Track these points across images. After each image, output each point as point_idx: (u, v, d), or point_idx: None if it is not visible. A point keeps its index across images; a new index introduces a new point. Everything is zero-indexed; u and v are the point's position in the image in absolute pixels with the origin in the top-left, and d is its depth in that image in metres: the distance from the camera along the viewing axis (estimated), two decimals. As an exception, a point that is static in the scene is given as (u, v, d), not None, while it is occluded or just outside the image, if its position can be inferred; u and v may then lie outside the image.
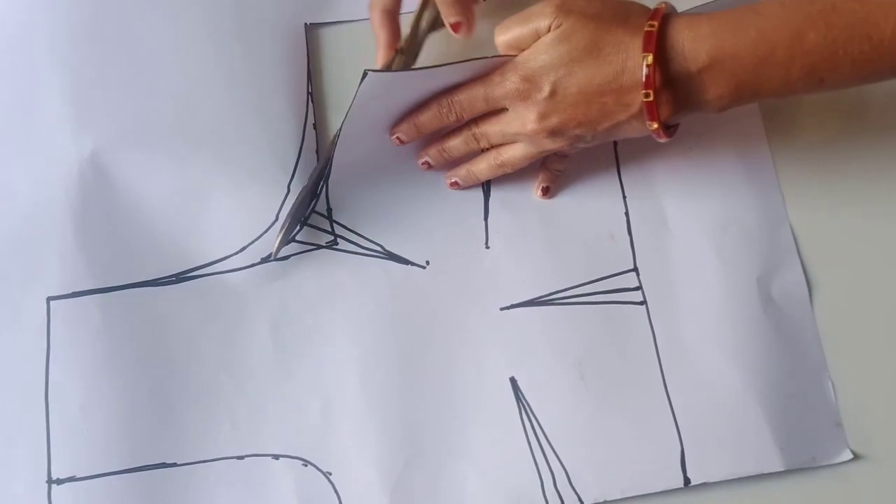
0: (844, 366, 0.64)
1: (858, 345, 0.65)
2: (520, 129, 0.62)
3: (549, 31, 0.59)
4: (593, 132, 0.61)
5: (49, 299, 0.64)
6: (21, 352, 0.64)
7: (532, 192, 0.68)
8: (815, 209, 0.67)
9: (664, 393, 0.64)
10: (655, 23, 0.57)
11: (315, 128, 0.69)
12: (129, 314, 0.64)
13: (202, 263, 0.66)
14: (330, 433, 0.63)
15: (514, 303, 0.66)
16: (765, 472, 0.62)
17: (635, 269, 0.66)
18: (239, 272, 0.66)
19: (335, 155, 0.65)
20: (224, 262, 0.66)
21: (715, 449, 0.62)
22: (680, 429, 0.63)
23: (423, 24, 0.68)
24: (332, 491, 0.62)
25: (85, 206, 0.66)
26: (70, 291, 0.65)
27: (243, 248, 0.66)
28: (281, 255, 0.66)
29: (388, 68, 0.66)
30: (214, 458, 0.62)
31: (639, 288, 0.66)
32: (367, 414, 0.63)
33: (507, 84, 0.61)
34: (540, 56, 0.59)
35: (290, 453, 0.63)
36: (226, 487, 0.62)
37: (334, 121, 0.70)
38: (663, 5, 0.59)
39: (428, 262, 0.66)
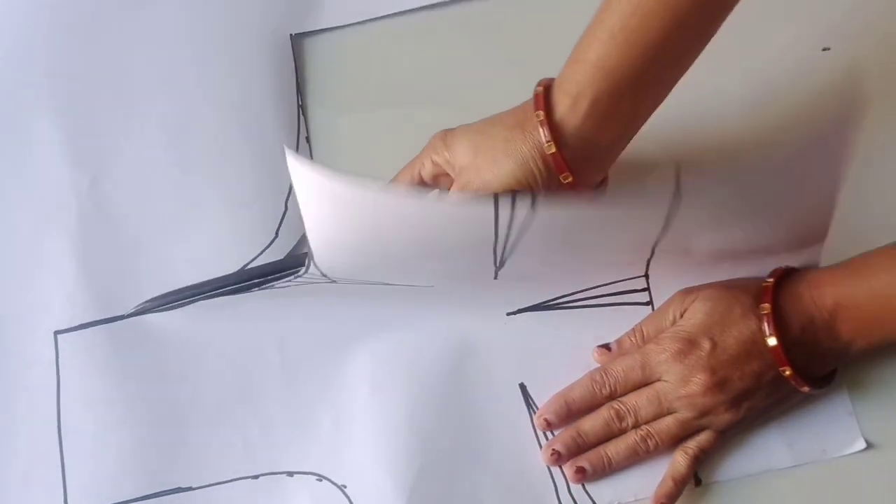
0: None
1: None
2: (680, 391, 0.60)
3: (682, 315, 0.61)
4: (758, 385, 0.59)
5: (56, 333, 0.64)
6: (32, 387, 0.64)
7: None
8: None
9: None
10: (771, 279, 0.61)
11: (308, 141, 0.68)
12: (136, 342, 0.65)
13: (204, 281, 0.65)
14: (342, 446, 0.63)
15: (521, 307, 0.65)
16: (773, 468, 0.62)
17: (645, 276, 0.66)
18: (242, 295, 0.65)
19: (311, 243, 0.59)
20: (226, 280, 0.65)
21: (723, 448, 0.62)
22: (689, 429, 0.63)
23: None
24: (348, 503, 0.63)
25: (85, 237, 0.66)
26: (76, 324, 0.65)
27: (243, 267, 0.66)
28: (279, 286, 0.64)
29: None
30: (229, 479, 0.63)
31: (646, 289, 0.65)
32: (378, 425, 0.63)
33: (665, 349, 0.60)
34: (694, 316, 0.61)
35: (304, 469, 0.63)
36: (243, 508, 0.62)
37: (327, 133, 0.69)
38: (781, 267, 0.62)
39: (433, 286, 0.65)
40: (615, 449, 0.62)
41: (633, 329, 0.64)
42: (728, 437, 0.62)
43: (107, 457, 0.62)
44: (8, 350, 0.65)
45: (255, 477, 0.63)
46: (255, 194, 0.67)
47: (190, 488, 0.62)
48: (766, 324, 0.59)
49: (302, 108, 0.69)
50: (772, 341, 0.59)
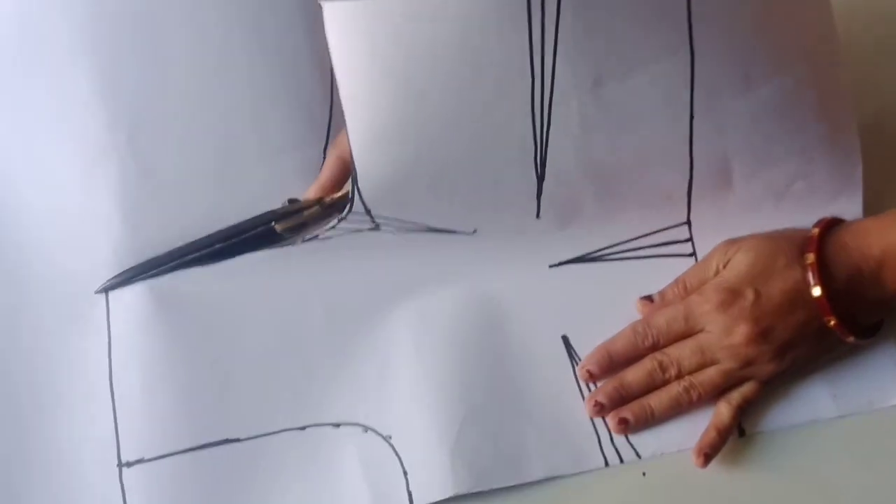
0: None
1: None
2: (724, 342, 0.60)
3: (725, 265, 0.61)
4: (802, 335, 0.59)
5: (106, 290, 0.65)
6: (84, 344, 0.65)
7: (594, 181, 0.63)
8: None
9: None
10: (817, 229, 0.60)
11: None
12: (181, 296, 0.65)
13: (248, 220, 0.66)
14: (387, 398, 0.64)
15: (564, 260, 0.65)
16: (818, 418, 0.62)
17: (688, 223, 0.65)
18: (284, 248, 0.66)
19: (355, 157, 0.61)
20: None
21: (768, 398, 0.62)
22: (734, 379, 0.63)
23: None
24: (394, 454, 0.63)
25: (128, 193, 0.66)
26: (125, 280, 0.65)
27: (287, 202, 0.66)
28: (322, 237, 0.66)
29: (300, 210, 0.65)
30: (276, 430, 0.63)
31: (689, 240, 0.65)
32: (423, 377, 0.64)
33: (708, 300, 0.60)
34: (738, 267, 0.61)
35: (350, 420, 0.64)
36: (290, 459, 0.63)
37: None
38: (826, 217, 0.61)
39: (475, 231, 0.65)
40: (658, 400, 0.62)
41: (675, 280, 0.64)
42: (771, 388, 0.62)
43: (157, 410, 0.63)
44: (59, 308, 0.66)
45: (302, 428, 0.64)
46: (293, 140, 0.67)
47: (238, 440, 0.63)
48: (810, 274, 0.59)
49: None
50: (816, 291, 0.58)
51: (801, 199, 0.64)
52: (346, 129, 0.60)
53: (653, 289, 0.64)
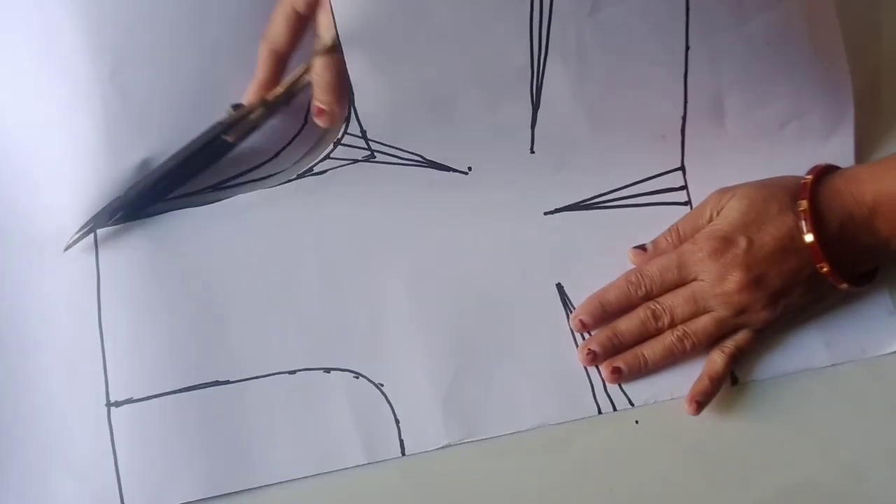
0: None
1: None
2: (717, 290, 0.60)
3: (718, 213, 0.61)
4: (795, 282, 0.59)
5: (93, 229, 0.64)
6: (72, 281, 0.64)
7: (587, 113, 0.63)
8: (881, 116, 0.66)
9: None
10: (810, 176, 0.60)
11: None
12: (173, 237, 0.65)
13: (237, 173, 0.66)
14: (380, 344, 0.63)
15: (558, 207, 0.65)
16: (811, 367, 0.62)
17: (682, 168, 0.65)
18: (279, 187, 0.65)
19: (352, 77, 0.61)
20: (260, 168, 0.66)
21: (761, 347, 0.62)
22: (726, 329, 0.63)
23: (301, 85, 0.65)
24: (385, 402, 0.63)
25: (112, 127, 0.65)
26: (113, 218, 0.65)
27: (277, 154, 0.66)
28: (317, 170, 0.65)
29: (246, 115, 0.64)
30: (266, 373, 0.63)
31: (684, 187, 0.65)
32: (416, 324, 0.64)
33: (701, 248, 0.60)
34: (730, 215, 0.60)
35: (342, 366, 0.63)
36: (279, 402, 0.62)
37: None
38: (820, 165, 0.62)
39: (470, 169, 0.65)
40: (651, 349, 0.62)
41: (669, 229, 0.64)
42: (765, 336, 0.62)
43: (146, 350, 0.63)
44: (45, 243, 0.65)
45: (293, 372, 0.63)
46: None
47: (228, 382, 0.63)
48: (803, 221, 0.59)
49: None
50: (809, 238, 0.58)
51: (794, 142, 0.64)
52: (274, 19, 0.61)
53: (647, 237, 0.64)
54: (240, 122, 0.64)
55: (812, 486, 0.61)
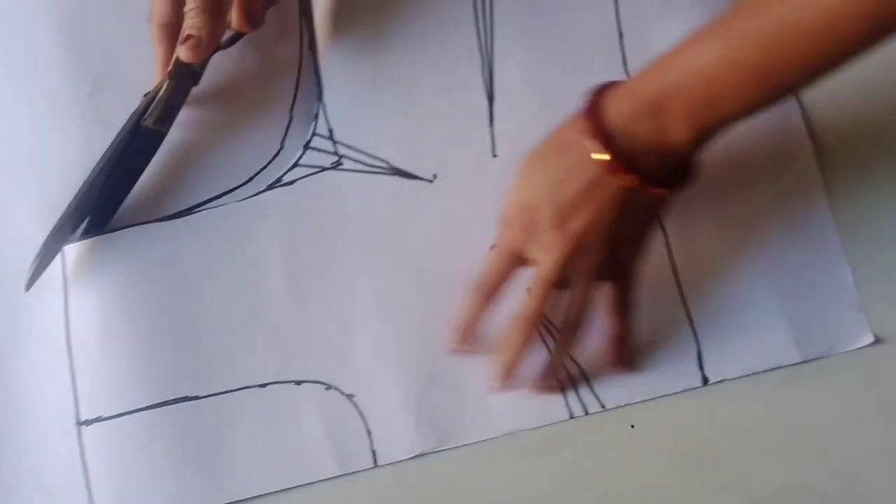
0: (864, 249, 0.64)
1: (877, 226, 0.65)
2: (556, 258, 0.59)
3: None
4: (616, 212, 0.58)
5: (61, 245, 0.64)
6: (40, 297, 0.64)
7: (540, 98, 0.65)
8: (828, 92, 0.66)
9: (678, 293, 0.64)
10: (589, 96, 0.58)
11: (311, 48, 0.68)
12: (141, 251, 0.64)
13: (209, 197, 0.66)
14: (350, 356, 0.63)
15: (526, 210, 0.65)
16: (781, 364, 0.62)
17: None
18: (245, 201, 0.65)
19: (323, 74, 0.64)
20: (233, 193, 0.66)
21: (731, 346, 0.63)
22: (695, 328, 0.63)
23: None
24: (357, 413, 0.62)
25: (89, 147, 0.65)
26: (81, 234, 0.65)
27: (251, 179, 0.66)
28: (286, 180, 0.66)
29: (155, 94, 0.64)
30: (236, 388, 0.63)
31: None
32: (386, 334, 0.64)
33: (511, 233, 0.60)
34: (519, 193, 0.60)
35: (312, 378, 0.63)
36: (250, 416, 0.62)
37: (331, 39, 0.68)
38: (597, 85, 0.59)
39: (435, 176, 0.65)
40: (557, 352, 0.62)
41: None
42: (733, 335, 0.63)
43: (115, 367, 0.63)
44: (14, 262, 0.65)
45: (263, 386, 0.63)
46: (258, 105, 0.67)
47: (198, 397, 0.63)
48: (592, 142, 0.57)
49: (305, 13, 0.68)
50: (602, 156, 0.56)
51: (749, 138, 0.64)
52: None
53: (614, 240, 0.64)
54: (152, 104, 0.64)
55: (807, 488, 0.61)
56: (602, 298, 0.61)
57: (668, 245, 0.64)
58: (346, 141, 0.66)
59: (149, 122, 0.64)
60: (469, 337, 0.62)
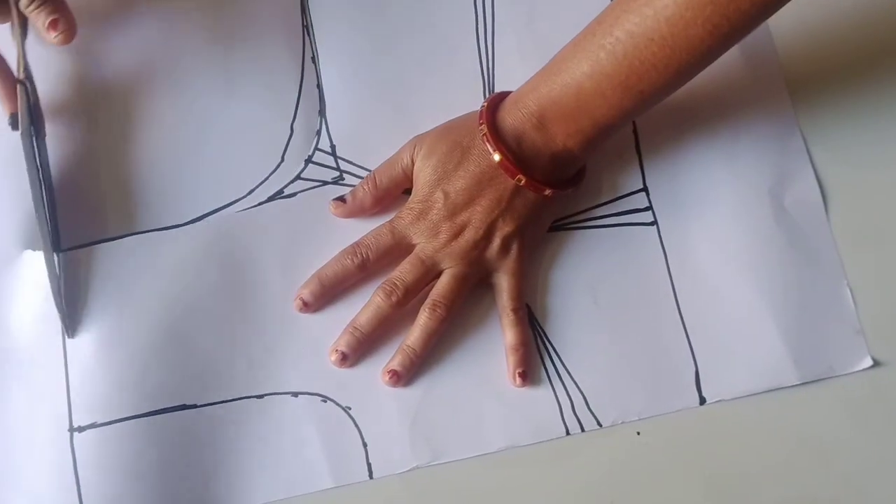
0: (864, 271, 0.64)
1: (878, 250, 0.65)
2: (435, 245, 0.62)
3: (412, 161, 0.63)
4: (502, 208, 0.61)
5: (57, 252, 0.64)
6: (35, 303, 0.64)
7: None
8: (826, 113, 0.67)
9: (677, 313, 0.64)
10: (486, 102, 0.62)
11: (314, 61, 0.68)
12: (140, 259, 0.65)
13: (211, 209, 0.66)
14: (347, 369, 0.63)
15: (525, 230, 0.65)
16: (780, 386, 0.62)
17: (645, 189, 0.66)
18: (246, 212, 0.65)
19: (325, 89, 0.64)
20: (233, 206, 0.66)
21: (729, 366, 0.63)
22: (693, 348, 0.63)
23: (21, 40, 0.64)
24: (353, 425, 0.62)
25: (91, 161, 0.66)
26: (79, 243, 0.65)
27: (251, 191, 0.66)
28: (287, 192, 0.66)
29: (16, 114, 0.64)
30: (234, 398, 0.63)
31: (649, 208, 0.65)
32: (383, 346, 0.63)
33: (405, 216, 0.63)
34: (423, 175, 0.63)
35: (309, 390, 0.63)
36: (246, 427, 0.62)
37: (333, 52, 0.68)
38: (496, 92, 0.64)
39: None
40: (412, 337, 0.63)
41: (366, 177, 0.65)
42: (733, 356, 0.62)
43: (111, 374, 0.62)
44: (8, 270, 0.65)
45: (260, 396, 0.63)
46: (260, 117, 0.67)
47: (194, 406, 0.62)
48: (487, 143, 0.61)
49: (307, 27, 0.69)
50: (496, 157, 0.60)
51: (749, 155, 0.66)
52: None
53: (614, 258, 0.65)
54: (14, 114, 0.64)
55: (812, 499, 0.61)
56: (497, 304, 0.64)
57: (667, 265, 0.64)
58: (348, 157, 0.67)
59: (18, 128, 0.64)
60: (325, 293, 0.63)
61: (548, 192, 0.61)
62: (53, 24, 0.62)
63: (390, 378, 0.62)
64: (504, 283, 0.63)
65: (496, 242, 0.62)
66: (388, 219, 0.64)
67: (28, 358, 0.63)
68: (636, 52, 0.56)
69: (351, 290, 0.64)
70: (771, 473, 0.61)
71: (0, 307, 0.64)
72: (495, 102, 0.62)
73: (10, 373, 0.63)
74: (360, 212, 0.65)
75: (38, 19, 0.62)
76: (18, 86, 0.63)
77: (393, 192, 0.65)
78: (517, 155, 0.60)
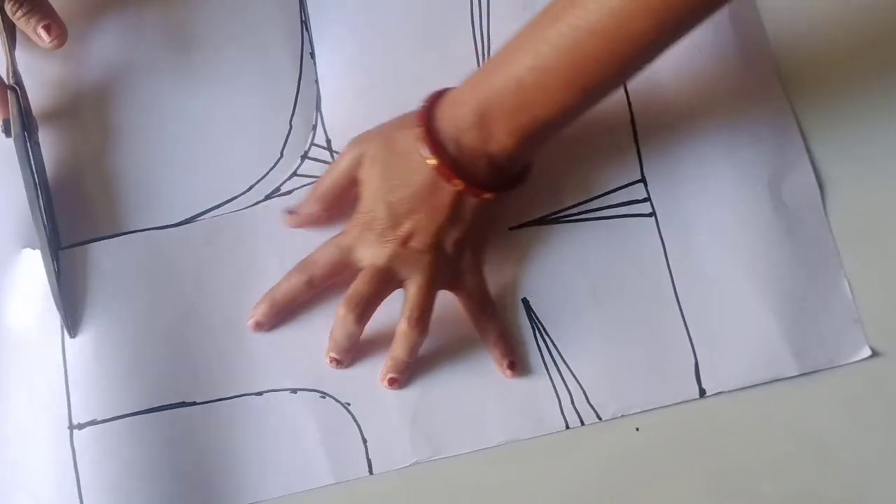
0: (862, 262, 0.64)
1: (875, 241, 0.65)
2: (386, 255, 0.61)
3: (354, 168, 0.63)
4: (446, 214, 0.61)
5: (58, 249, 0.64)
6: (34, 300, 0.63)
7: None
8: (824, 105, 0.67)
9: (676, 305, 0.64)
10: (426, 103, 0.61)
11: (312, 56, 0.68)
12: (140, 257, 0.65)
13: (210, 206, 0.66)
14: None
15: (523, 222, 0.65)
16: (779, 377, 0.62)
17: (643, 180, 0.66)
18: (244, 210, 0.65)
19: (322, 84, 0.65)
20: (232, 202, 0.66)
21: (728, 358, 0.62)
22: (693, 340, 0.63)
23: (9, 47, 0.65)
24: (353, 421, 0.62)
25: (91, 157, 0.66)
26: (78, 241, 0.65)
27: (250, 188, 0.66)
28: (284, 189, 0.66)
29: (8, 120, 0.64)
30: (233, 395, 0.63)
31: (647, 199, 0.65)
32: (381, 341, 0.63)
33: (351, 231, 0.62)
34: (368, 187, 0.62)
35: (308, 386, 0.63)
36: (246, 423, 0.62)
37: (331, 48, 0.68)
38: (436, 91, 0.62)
39: None
40: (399, 350, 0.62)
41: (314, 185, 0.65)
42: (732, 347, 0.62)
43: (110, 371, 0.62)
44: (7, 268, 0.65)
45: (259, 393, 0.63)
46: (259, 113, 0.67)
47: (194, 403, 0.62)
48: (424, 149, 0.59)
49: (305, 23, 0.69)
50: (432, 162, 0.59)
51: (747, 148, 0.65)
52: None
53: (613, 250, 0.64)
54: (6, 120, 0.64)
55: (814, 495, 0.61)
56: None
57: (665, 256, 0.64)
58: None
59: (7, 134, 0.64)
60: (278, 312, 0.63)
61: (487, 195, 0.61)
62: (46, 30, 0.63)
63: (390, 384, 0.62)
64: (469, 284, 0.63)
65: (448, 248, 0.62)
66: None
67: (27, 355, 0.63)
68: (579, 46, 0.55)
69: (307, 307, 0.64)
70: (770, 467, 0.61)
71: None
72: (433, 102, 0.61)
73: (9, 370, 0.63)
74: (309, 222, 0.64)
75: (28, 26, 0.63)
76: (9, 92, 0.64)
77: (342, 197, 0.64)
78: (455, 158, 0.59)
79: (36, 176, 0.64)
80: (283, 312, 0.63)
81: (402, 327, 0.61)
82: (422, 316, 0.61)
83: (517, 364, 0.63)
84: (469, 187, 0.60)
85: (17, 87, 0.64)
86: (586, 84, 0.56)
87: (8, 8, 0.63)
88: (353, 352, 0.63)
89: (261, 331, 0.63)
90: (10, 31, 0.64)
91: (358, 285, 0.61)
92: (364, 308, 0.61)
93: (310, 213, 0.64)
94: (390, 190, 0.61)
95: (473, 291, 0.63)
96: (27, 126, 0.64)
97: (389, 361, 0.62)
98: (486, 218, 0.63)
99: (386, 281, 0.61)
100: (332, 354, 0.62)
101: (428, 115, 0.60)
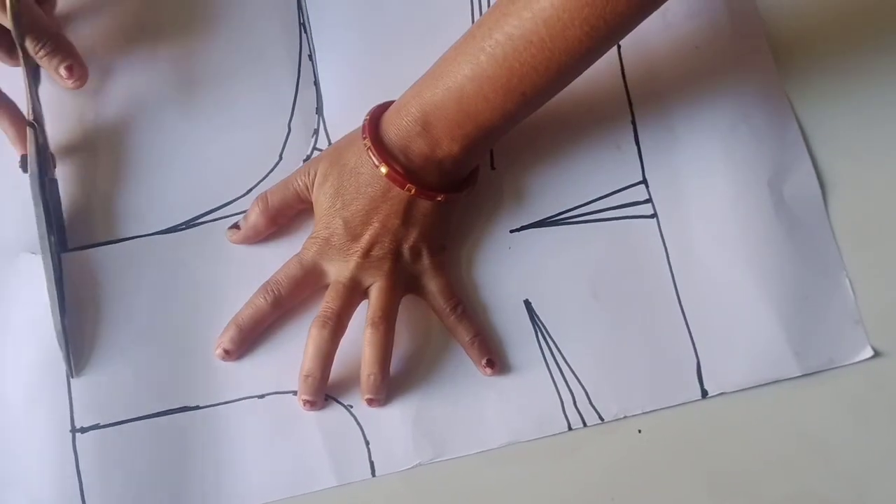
0: (863, 262, 0.64)
1: (877, 241, 0.65)
2: (350, 267, 0.62)
3: (307, 187, 0.63)
4: (401, 221, 0.61)
5: (60, 254, 0.64)
6: (37, 305, 0.63)
7: (539, 116, 0.63)
8: (824, 104, 0.67)
9: (678, 306, 0.64)
10: (368, 115, 0.62)
11: (311, 59, 0.68)
12: (140, 262, 0.65)
13: (209, 209, 0.66)
14: (348, 366, 0.63)
15: (524, 224, 0.65)
16: (781, 378, 0.62)
17: (644, 182, 0.66)
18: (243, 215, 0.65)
19: (322, 87, 0.65)
20: (231, 205, 0.66)
21: (730, 359, 0.63)
22: (695, 341, 0.63)
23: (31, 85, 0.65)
24: (355, 423, 0.62)
25: (93, 159, 0.66)
26: (80, 245, 0.65)
27: (249, 191, 0.66)
28: None
29: (26, 156, 0.64)
30: (236, 398, 0.63)
31: (648, 200, 0.65)
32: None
33: (310, 244, 0.63)
34: (321, 205, 0.63)
35: None
36: (249, 426, 0.62)
37: (330, 50, 0.68)
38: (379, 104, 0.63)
39: None
40: (369, 361, 0.62)
41: (256, 199, 0.64)
42: (733, 347, 0.62)
43: (113, 376, 0.63)
44: (8, 271, 0.65)
45: (262, 396, 0.63)
46: (257, 116, 0.67)
47: (197, 407, 0.62)
48: (371, 156, 0.60)
49: (304, 25, 0.69)
50: (383, 170, 0.60)
51: (747, 146, 0.66)
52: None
53: (614, 252, 0.64)
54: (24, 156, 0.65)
55: (816, 495, 0.61)
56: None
57: (667, 257, 0.64)
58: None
59: (25, 169, 0.64)
60: (245, 338, 0.63)
61: (440, 197, 0.61)
62: (69, 70, 0.64)
63: (369, 405, 0.62)
64: (431, 286, 0.63)
65: (405, 252, 0.62)
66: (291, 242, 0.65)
67: (30, 359, 0.63)
68: (516, 55, 0.56)
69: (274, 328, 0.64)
70: (773, 467, 0.61)
71: (1, 308, 0.64)
72: (377, 114, 0.62)
73: (10, 372, 0.63)
74: (255, 235, 0.65)
75: (51, 66, 0.64)
76: (28, 128, 0.64)
77: (286, 212, 0.64)
78: (405, 165, 0.60)
79: (51, 213, 0.64)
80: (250, 338, 0.63)
81: (367, 332, 0.62)
82: (384, 316, 0.62)
83: (495, 362, 0.63)
84: (421, 191, 0.60)
85: (36, 125, 0.64)
86: (525, 91, 0.57)
87: (30, 46, 0.63)
88: (326, 379, 0.62)
89: (229, 360, 0.63)
90: (34, 69, 0.64)
91: (328, 303, 0.62)
92: (336, 323, 0.61)
93: (255, 224, 0.64)
94: (344, 205, 0.62)
95: (436, 293, 0.63)
96: (44, 163, 0.64)
97: (363, 379, 0.62)
98: (439, 219, 0.63)
99: (353, 293, 0.62)
100: (305, 397, 0.62)
101: (372, 127, 0.61)
